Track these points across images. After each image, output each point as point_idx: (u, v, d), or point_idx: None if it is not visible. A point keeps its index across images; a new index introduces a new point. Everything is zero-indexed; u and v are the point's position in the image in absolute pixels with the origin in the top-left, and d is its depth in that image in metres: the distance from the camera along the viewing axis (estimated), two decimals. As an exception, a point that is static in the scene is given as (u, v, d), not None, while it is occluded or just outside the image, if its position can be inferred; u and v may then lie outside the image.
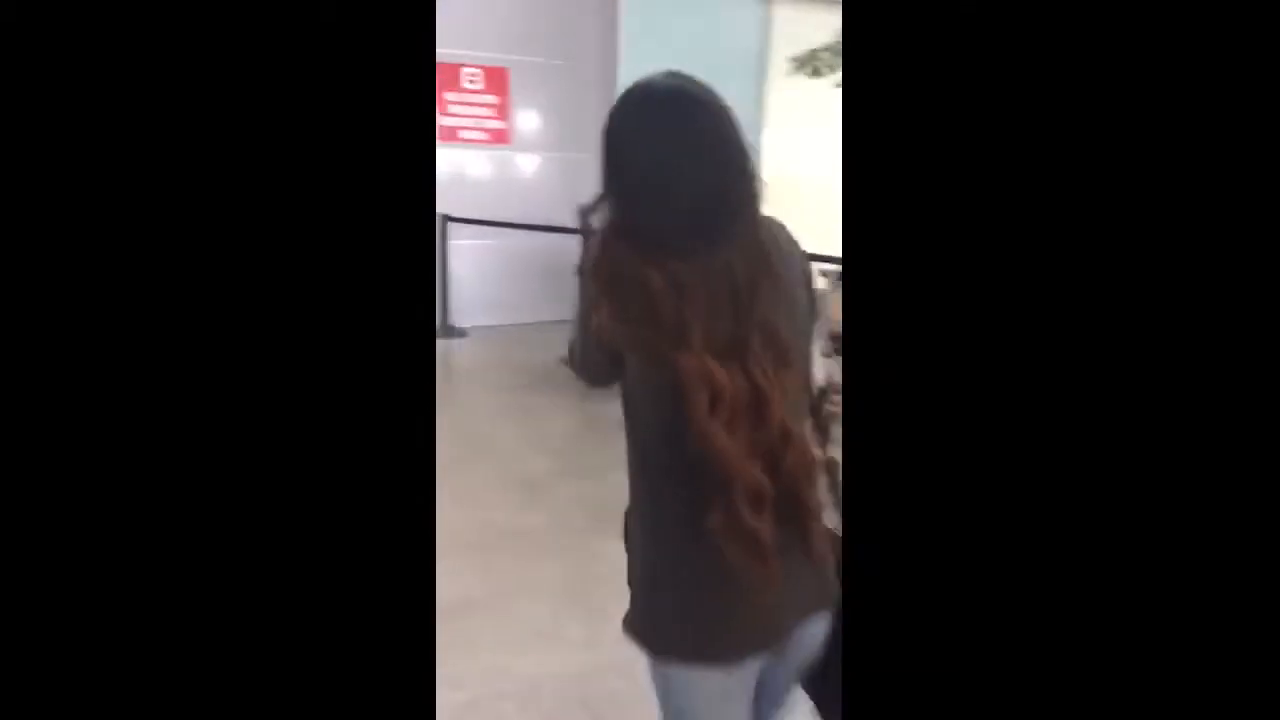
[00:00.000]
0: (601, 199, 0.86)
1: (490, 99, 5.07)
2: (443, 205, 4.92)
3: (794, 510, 0.84)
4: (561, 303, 5.67)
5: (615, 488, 2.47)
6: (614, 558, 1.57)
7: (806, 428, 0.88)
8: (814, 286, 0.95)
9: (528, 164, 5.33)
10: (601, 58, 5.24)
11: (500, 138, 5.17)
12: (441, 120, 4.98)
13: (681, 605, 0.88)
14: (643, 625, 0.91)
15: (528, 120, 5.24)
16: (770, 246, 0.85)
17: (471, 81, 4.99)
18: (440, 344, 4.99)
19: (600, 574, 2.30)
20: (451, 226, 4.96)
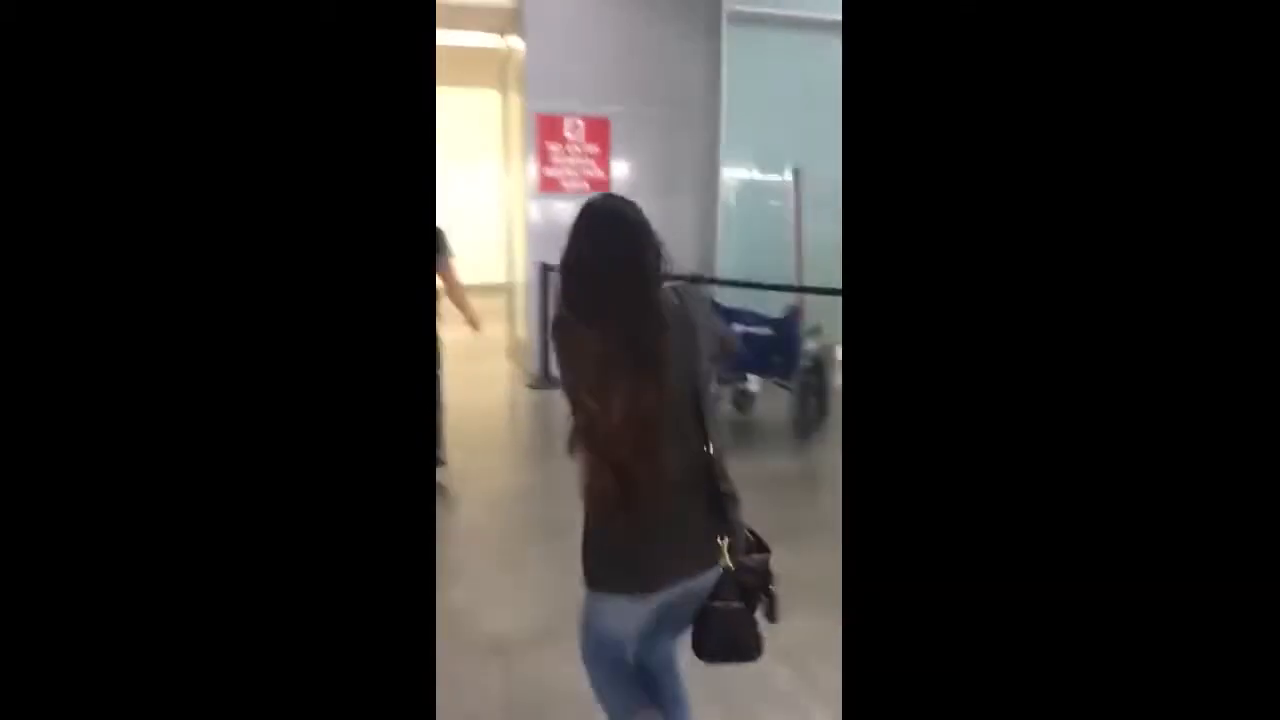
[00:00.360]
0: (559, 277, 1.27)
1: (592, 149, 5.04)
2: (544, 255, 4.88)
3: (669, 500, 1.25)
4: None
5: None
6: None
7: (688, 441, 1.29)
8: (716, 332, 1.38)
9: (627, 212, 5.26)
10: (704, 103, 5.15)
11: (601, 186, 5.11)
12: (545, 171, 4.97)
13: (607, 556, 1.30)
14: (587, 570, 1.32)
15: (628, 168, 5.17)
16: (670, 313, 1.25)
17: (573, 132, 4.98)
18: (538, 394, 4.89)
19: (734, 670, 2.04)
20: (553, 276, 4.89)
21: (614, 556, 1.29)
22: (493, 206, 7.48)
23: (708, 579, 1.30)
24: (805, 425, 3.80)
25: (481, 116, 7.64)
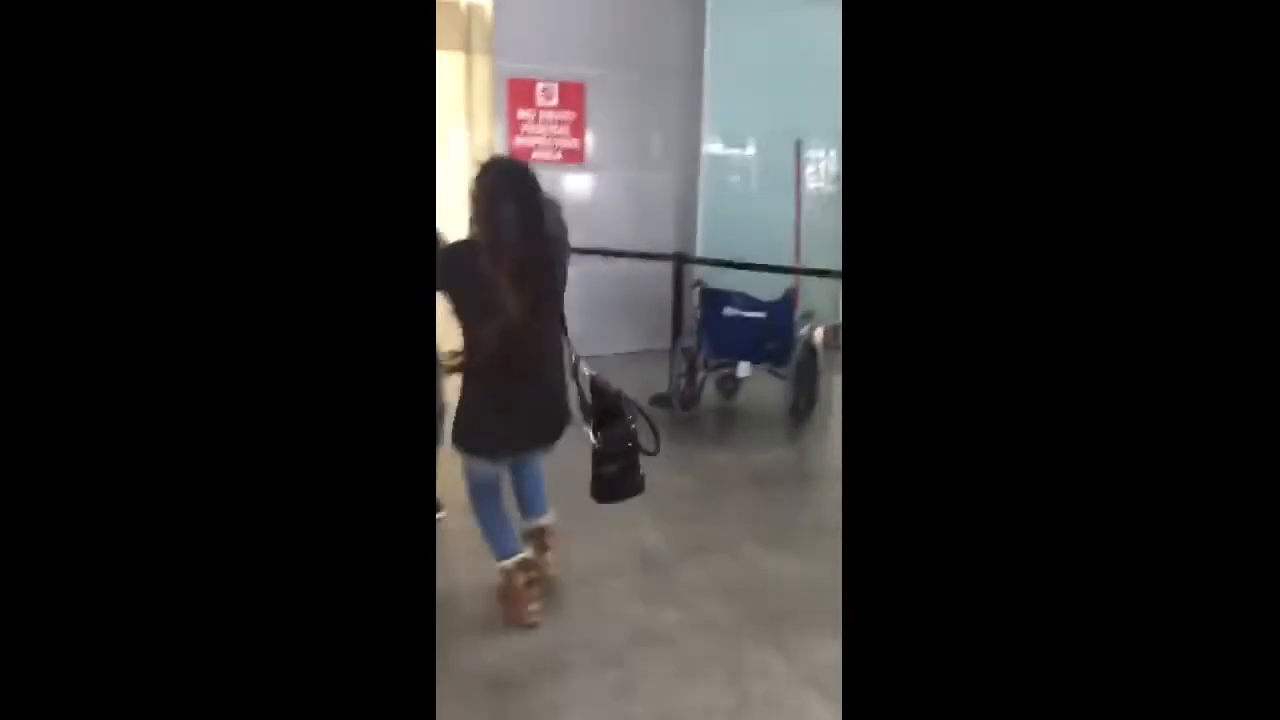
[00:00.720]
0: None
1: (566, 115, 4.70)
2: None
3: (528, 377, 1.80)
4: (640, 333, 5.26)
5: (754, 568, 2.37)
6: (778, 670, 1.76)
7: (550, 334, 1.84)
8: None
9: (602, 185, 4.94)
10: (686, 71, 4.85)
11: (574, 157, 4.79)
12: (514, 140, 4.62)
13: (472, 428, 1.86)
14: (455, 434, 1.87)
15: (603, 138, 4.85)
16: (551, 236, 1.78)
17: (546, 97, 4.63)
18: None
19: (767, 694, 1.82)
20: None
21: (478, 429, 1.83)
22: (458, 177, 7.07)
23: (554, 445, 1.94)
24: (798, 414, 3.61)
25: (444, 80, 7.19)
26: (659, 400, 3.97)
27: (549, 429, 1.90)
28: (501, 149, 4.62)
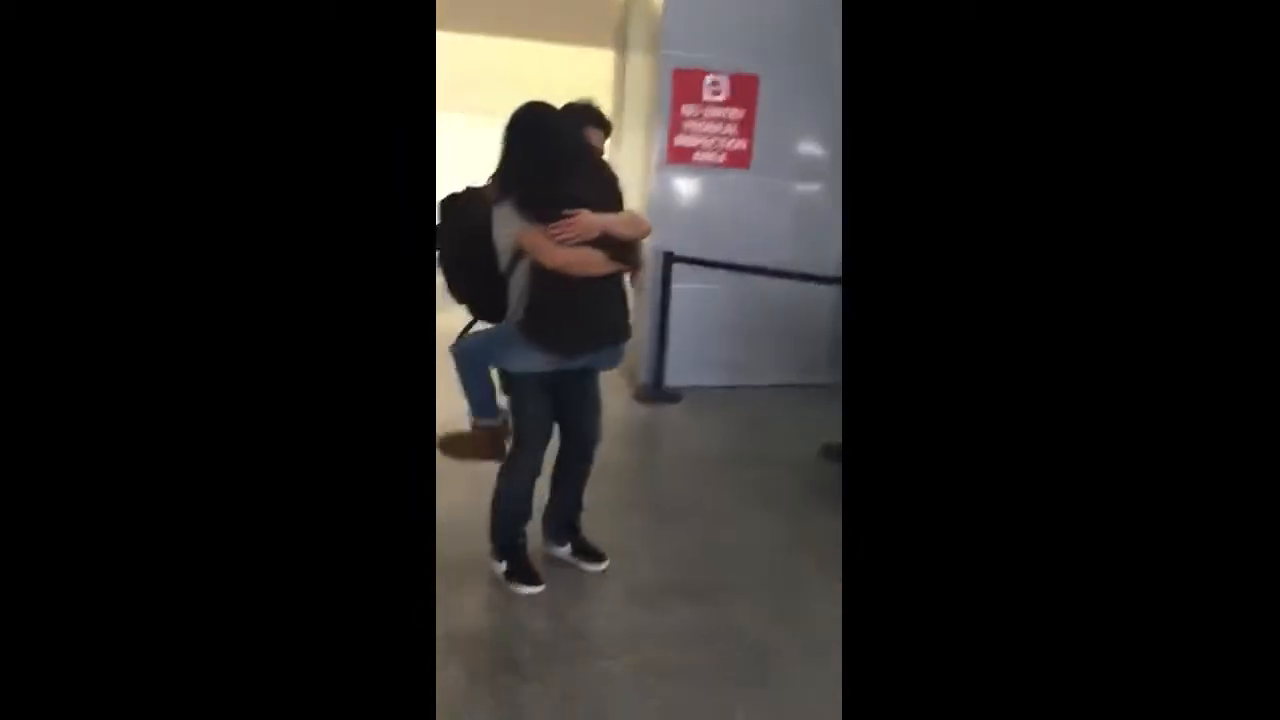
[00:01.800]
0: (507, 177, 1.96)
1: (734, 113, 4.15)
2: (667, 241, 4.04)
3: (611, 285, 2.01)
4: (792, 364, 4.60)
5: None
6: None
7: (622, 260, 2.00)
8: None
9: (764, 193, 4.34)
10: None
11: (738, 160, 4.23)
12: (675, 140, 4.11)
13: (551, 323, 1.95)
14: (526, 324, 1.96)
15: (771, 142, 4.25)
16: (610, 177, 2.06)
17: (714, 92, 4.10)
18: (648, 410, 4.05)
19: None
20: (676, 267, 4.05)
21: (551, 323, 1.94)
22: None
23: (617, 350, 2.11)
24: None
25: (592, 79, 6.86)
26: (832, 452, 3.32)
27: (616, 329, 2.07)
28: (659, 150, 4.13)
